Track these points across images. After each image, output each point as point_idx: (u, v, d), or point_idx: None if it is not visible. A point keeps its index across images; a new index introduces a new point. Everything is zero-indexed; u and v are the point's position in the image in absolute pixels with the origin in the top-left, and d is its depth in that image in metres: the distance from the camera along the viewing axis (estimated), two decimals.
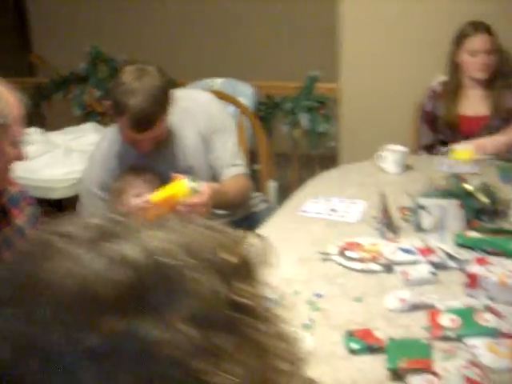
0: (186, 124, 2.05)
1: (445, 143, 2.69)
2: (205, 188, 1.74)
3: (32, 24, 4.83)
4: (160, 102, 1.84)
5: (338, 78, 3.06)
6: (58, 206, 2.77)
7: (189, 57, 3.61)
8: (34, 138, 2.95)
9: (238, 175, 2.08)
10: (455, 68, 2.58)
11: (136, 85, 1.78)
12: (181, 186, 1.69)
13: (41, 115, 4.03)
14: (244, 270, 0.49)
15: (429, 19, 2.91)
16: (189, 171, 2.03)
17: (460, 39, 2.55)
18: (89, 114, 3.68)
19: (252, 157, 2.89)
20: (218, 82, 3.09)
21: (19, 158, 1.41)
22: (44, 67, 4.63)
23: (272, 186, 3.29)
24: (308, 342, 1.18)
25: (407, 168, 2.32)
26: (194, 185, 1.69)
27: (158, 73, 1.85)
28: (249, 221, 2.20)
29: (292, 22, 3.40)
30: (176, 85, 3.29)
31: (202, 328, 0.42)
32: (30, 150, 2.88)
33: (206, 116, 2.08)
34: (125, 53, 3.57)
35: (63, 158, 2.77)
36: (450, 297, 1.46)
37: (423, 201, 1.74)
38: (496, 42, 2.53)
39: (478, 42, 2.49)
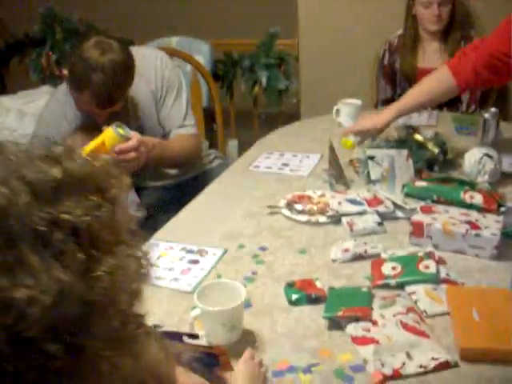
0: (137, 84, 2.00)
1: None
2: (133, 134, 1.71)
3: None
4: (123, 80, 1.80)
5: (296, 33, 2.99)
6: None
7: (145, 15, 3.52)
8: None
9: (186, 135, 2.05)
10: (411, 21, 2.54)
11: (100, 61, 1.72)
12: (108, 134, 1.66)
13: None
14: (70, 186, 0.46)
15: None
16: (140, 130, 1.99)
17: None
18: (47, 78, 3.57)
19: (211, 115, 2.84)
20: (175, 41, 3.01)
21: None
22: (3, 32, 4.48)
23: (232, 144, 3.26)
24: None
25: None
26: (120, 131, 1.66)
27: (121, 48, 1.79)
28: (202, 178, 2.17)
29: None
30: (133, 44, 3.21)
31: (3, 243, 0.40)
32: None
33: (157, 75, 2.04)
34: (80, 12, 3.46)
35: (15, 122, 2.69)
36: (396, 246, 1.44)
37: (372, 151, 1.72)
38: None
39: None
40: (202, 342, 0.95)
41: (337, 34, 2.94)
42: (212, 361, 0.95)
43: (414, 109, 1.91)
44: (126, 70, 1.80)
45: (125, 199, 0.52)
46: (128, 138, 1.71)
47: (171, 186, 2.21)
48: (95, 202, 0.47)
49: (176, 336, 0.95)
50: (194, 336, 0.95)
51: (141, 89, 2.00)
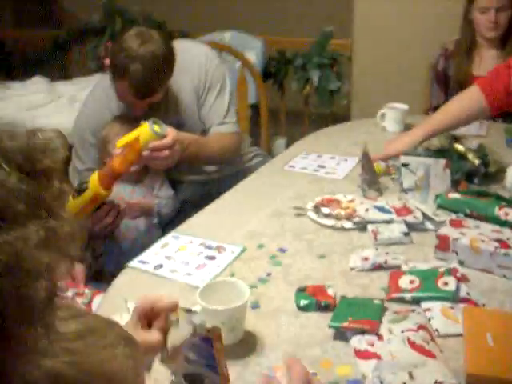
0: (180, 78, 2.00)
1: None
2: (169, 131, 1.69)
3: None
4: (161, 71, 1.79)
5: (351, 34, 2.93)
6: None
7: (201, 9, 3.54)
8: (40, 87, 2.94)
9: (226, 133, 2.03)
10: (468, 26, 2.44)
11: (139, 51, 1.73)
12: (143, 130, 1.64)
13: (59, 67, 4.03)
14: None
15: None
16: (180, 125, 1.99)
17: None
18: (104, 67, 3.64)
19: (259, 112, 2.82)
20: (228, 35, 3.01)
21: None
22: (69, 21, 4.62)
23: (280, 142, 3.23)
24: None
25: (409, 127, 2.21)
26: (156, 128, 1.64)
27: (161, 40, 1.79)
28: (240, 175, 2.14)
29: None
30: (187, 37, 3.23)
31: None
32: (35, 98, 2.90)
33: (200, 70, 2.03)
34: (139, 4, 3.51)
35: (67, 107, 2.75)
36: (420, 259, 1.38)
37: (407, 159, 1.65)
38: None
39: None
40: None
41: (392, 37, 2.87)
42: (207, 347, 0.92)
43: (442, 131, 1.81)
44: (165, 61, 1.80)
45: (60, 174, 0.51)
46: (163, 136, 1.69)
47: (208, 182, 2.20)
48: (7, 173, 0.47)
49: None
50: (191, 311, 0.93)
51: (183, 83, 2.00)
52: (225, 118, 2.05)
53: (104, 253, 1.99)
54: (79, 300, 1.68)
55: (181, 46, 2.10)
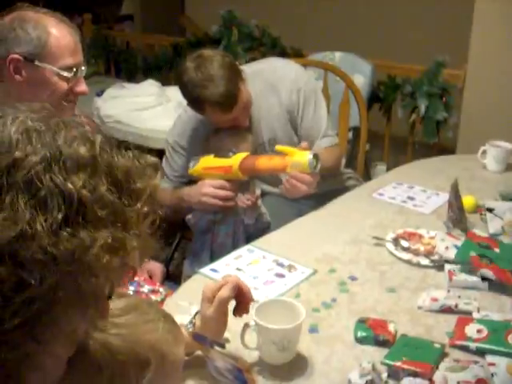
0: (268, 96, 2.03)
1: None
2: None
3: None
4: (229, 77, 1.81)
5: (464, 65, 2.83)
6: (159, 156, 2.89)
7: (316, 28, 3.56)
8: (151, 90, 3.08)
9: (332, 146, 2.04)
10: None
11: (200, 76, 1.79)
12: (301, 154, 1.68)
13: (175, 72, 4.20)
14: (87, 166, 0.54)
15: None
16: (272, 142, 2.01)
17: None
18: None
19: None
20: (338, 56, 3.01)
21: (74, 92, 1.38)
22: (191, 28, 4.81)
23: (381, 168, 3.17)
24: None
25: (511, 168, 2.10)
26: (313, 162, 1.68)
27: (213, 52, 1.86)
28: (331, 194, 2.11)
29: (424, 3, 3.21)
30: (300, 55, 3.27)
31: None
32: (145, 100, 3.04)
33: (291, 90, 2.03)
34: (257, 19, 3.59)
35: (173, 111, 2.85)
36: (495, 308, 1.30)
37: (492, 203, 1.57)
38: None
39: None
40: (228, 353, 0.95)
41: (509, 73, 2.73)
42: (240, 376, 0.93)
43: None
44: (226, 67, 1.82)
45: (145, 198, 0.58)
46: (314, 174, 1.75)
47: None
48: (103, 183, 0.54)
49: (207, 342, 0.95)
50: (222, 345, 0.94)
51: (272, 102, 2.03)
52: (327, 130, 2.06)
53: (190, 254, 2.03)
54: (153, 297, 1.74)
55: (270, 65, 2.13)
